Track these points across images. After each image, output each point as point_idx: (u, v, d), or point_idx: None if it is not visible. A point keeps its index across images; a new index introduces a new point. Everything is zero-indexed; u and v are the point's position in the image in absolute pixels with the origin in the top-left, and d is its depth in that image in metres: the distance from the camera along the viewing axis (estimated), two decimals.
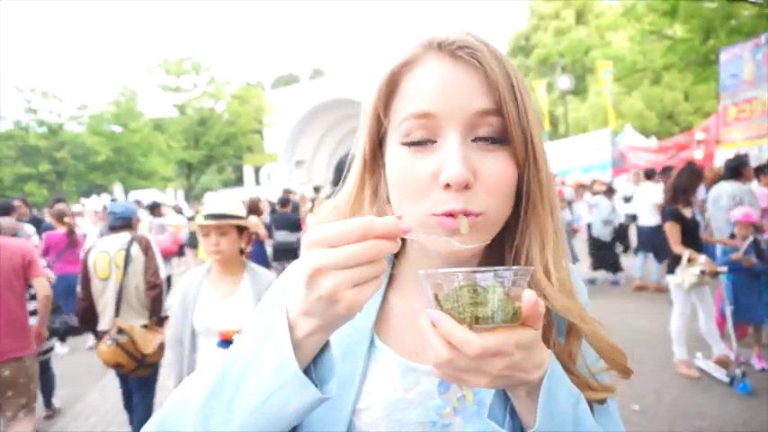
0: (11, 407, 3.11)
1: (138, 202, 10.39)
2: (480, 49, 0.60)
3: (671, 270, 4.51)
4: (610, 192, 8.96)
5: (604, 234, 8.28)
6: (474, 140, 0.61)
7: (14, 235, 4.02)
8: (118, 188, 22.42)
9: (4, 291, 3.10)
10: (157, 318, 3.40)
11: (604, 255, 8.40)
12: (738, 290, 4.40)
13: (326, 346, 0.57)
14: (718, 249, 5.44)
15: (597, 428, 0.59)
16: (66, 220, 6.11)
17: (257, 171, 34.05)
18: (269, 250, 8.09)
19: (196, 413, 0.55)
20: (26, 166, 22.97)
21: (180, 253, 10.90)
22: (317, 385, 0.54)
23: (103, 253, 3.40)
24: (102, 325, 3.38)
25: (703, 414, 3.80)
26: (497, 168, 0.60)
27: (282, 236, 7.82)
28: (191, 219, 11.14)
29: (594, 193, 9.40)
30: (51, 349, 4.59)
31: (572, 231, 8.73)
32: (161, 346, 3.26)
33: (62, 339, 6.19)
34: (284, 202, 8.40)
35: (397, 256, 0.76)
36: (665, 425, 3.70)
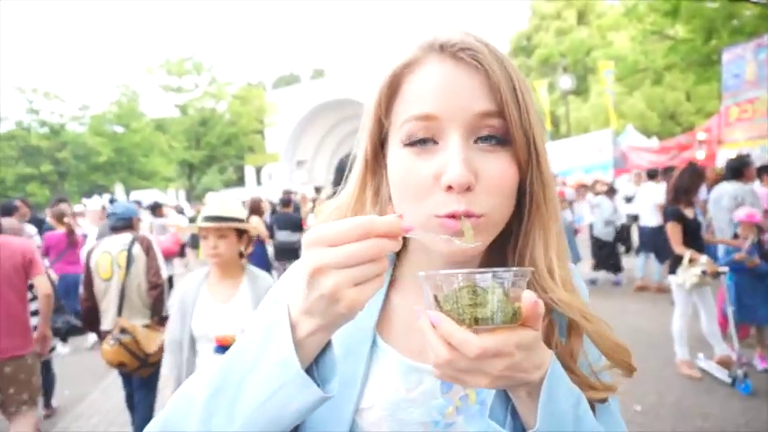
0: (13, 402, 3.14)
1: (137, 203, 10.40)
2: (482, 50, 0.60)
3: (672, 270, 4.51)
4: (611, 192, 8.96)
5: (606, 234, 8.28)
6: (476, 142, 0.61)
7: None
8: (119, 188, 22.44)
9: (4, 289, 3.12)
10: (159, 317, 3.41)
11: (606, 255, 8.40)
12: (741, 290, 4.39)
13: (328, 345, 0.58)
14: (720, 250, 5.43)
15: (598, 428, 0.59)
16: (66, 220, 6.12)
17: (258, 171, 34.08)
18: (270, 250, 8.11)
19: (199, 412, 0.55)
20: (28, 166, 23.01)
21: (181, 253, 10.92)
22: (318, 384, 0.54)
23: (105, 253, 3.42)
24: (105, 325, 3.40)
25: (705, 415, 3.79)
26: (499, 170, 0.61)
27: (284, 236, 7.83)
28: (192, 219, 11.16)
29: (596, 194, 9.40)
30: (53, 349, 4.60)
31: (573, 231, 8.72)
32: (163, 346, 3.26)
33: (64, 339, 6.21)
34: (286, 202, 8.43)
35: (398, 257, 0.76)
36: (666, 425, 3.70)
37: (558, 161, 15.07)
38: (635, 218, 8.88)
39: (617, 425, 0.68)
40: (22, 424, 3.15)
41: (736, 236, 4.81)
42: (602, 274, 8.63)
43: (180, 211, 13.67)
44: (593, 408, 0.61)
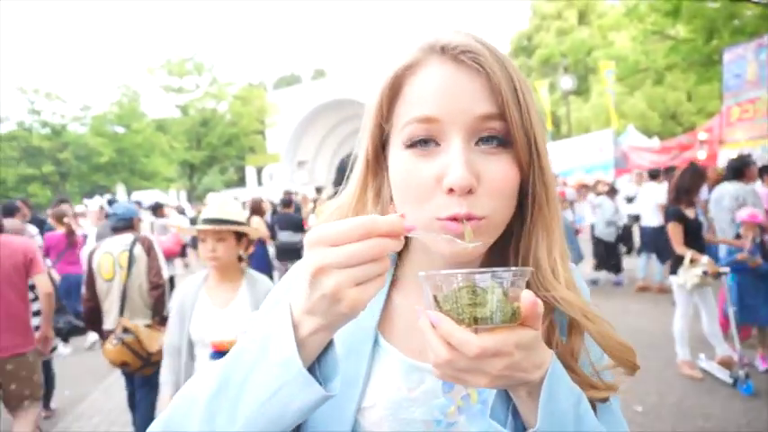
0: (15, 398, 3.17)
1: (138, 203, 10.41)
2: (483, 52, 0.60)
3: (673, 271, 4.50)
4: (613, 192, 8.95)
5: (607, 234, 8.27)
6: (477, 144, 0.61)
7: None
8: (121, 189, 22.50)
9: (4, 287, 3.14)
10: (160, 317, 3.42)
11: (607, 255, 8.39)
12: (744, 291, 4.39)
13: (330, 344, 0.58)
14: (721, 250, 5.42)
15: (599, 427, 0.59)
16: (66, 220, 6.13)
17: (259, 172, 34.10)
18: (271, 251, 8.12)
19: (201, 412, 0.55)
20: (29, 167, 23.06)
21: (182, 254, 10.93)
22: (320, 383, 0.54)
23: (107, 254, 3.43)
24: (107, 325, 3.41)
25: (706, 415, 3.79)
26: (500, 172, 0.61)
27: (286, 236, 7.85)
28: (193, 220, 11.17)
29: (598, 194, 9.39)
30: (54, 349, 4.61)
31: (575, 231, 8.72)
32: None
33: (65, 340, 6.22)
34: (287, 202, 8.45)
35: (400, 256, 0.77)
36: (668, 426, 3.70)
37: (559, 161, 15.07)
38: (636, 218, 8.86)
39: (618, 424, 0.68)
40: (24, 419, 3.19)
41: (737, 236, 4.81)
42: (604, 275, 8.63)
43: (181, 211, 13.68)
44: (594, 407, 0.61)
